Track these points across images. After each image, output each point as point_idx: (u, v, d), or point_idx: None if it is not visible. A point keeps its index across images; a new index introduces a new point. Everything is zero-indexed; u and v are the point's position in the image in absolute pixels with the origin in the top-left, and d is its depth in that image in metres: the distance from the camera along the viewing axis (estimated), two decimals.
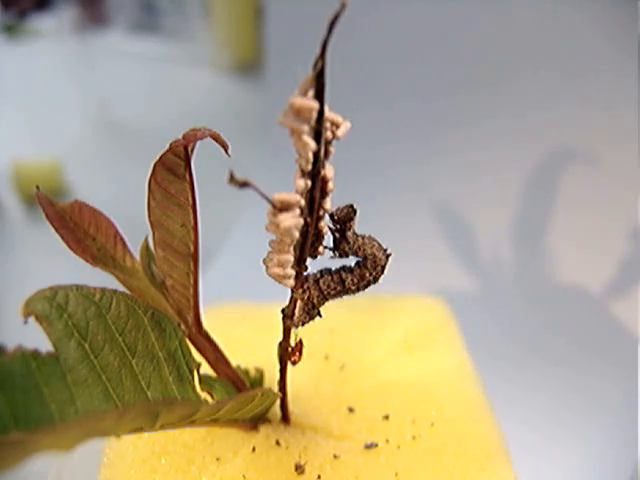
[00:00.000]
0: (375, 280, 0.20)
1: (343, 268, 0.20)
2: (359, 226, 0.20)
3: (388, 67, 0.62)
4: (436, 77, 0.60)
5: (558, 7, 0.54)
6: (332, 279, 0.20)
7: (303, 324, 0.20)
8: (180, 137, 0.19)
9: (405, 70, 0.61)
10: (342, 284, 0.20)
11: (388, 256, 0.20)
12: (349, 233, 0.19)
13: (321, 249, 0.18)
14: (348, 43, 0.55)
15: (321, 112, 0.15)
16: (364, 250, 0.19)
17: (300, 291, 0.19)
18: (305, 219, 0.17)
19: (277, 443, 0.24)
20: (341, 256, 0.20)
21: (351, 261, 0.20)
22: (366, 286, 0.20)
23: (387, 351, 0.31)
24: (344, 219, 0.19)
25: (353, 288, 0.20)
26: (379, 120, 0.61)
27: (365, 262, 0.20)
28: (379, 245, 0.20)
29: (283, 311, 0.20)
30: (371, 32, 0.61)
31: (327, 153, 0.16)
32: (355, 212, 0.19)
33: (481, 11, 0.56)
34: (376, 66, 0.62)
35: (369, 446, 0.25)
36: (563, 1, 0.53)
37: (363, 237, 0.20)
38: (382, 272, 0.20)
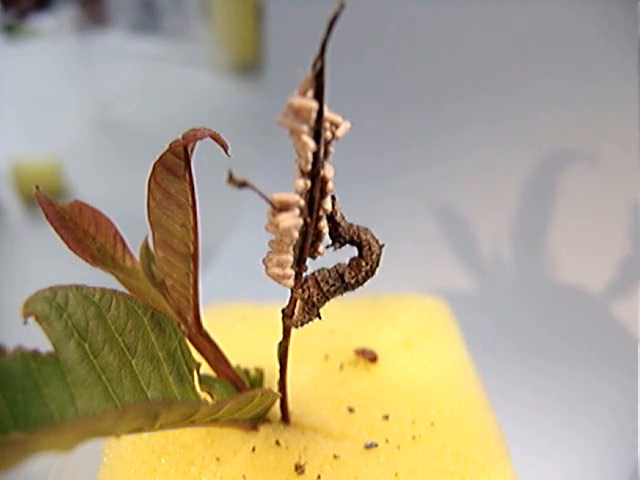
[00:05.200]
0: (372, 271, 0.20)
1: (339, 264, 0.20)
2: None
3: (389, 71, 0.62)
4: (437, 79, 0.60)
5: (558, 8, 0.54)
6: (330, 275, 0.20)
7: (302, 324, 0.20)
8: (180, 137, 0.19)
9: (406, 73, 0.61)
10: (341, 279, 0.20)
11: (382, 247, 0.20)
12: (337, 217, 0.19)
13: (321, 249, 0.18)
14: (349, 45, 0.55)
15: (320, 112, 0.15)
16: (359, 235, 0.19)
17: (300, 291, 0.19)
18: (305, 219, 0.17)
19: (277, 443, 0.24)
20: (340, 244, 0.20)
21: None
22: (364, 279, 0.20)
23: (387, 351, 0.31)
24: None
25: (352, 282, 0.20)
26: (380, 123, 0.61)
27: (360, 251, 0.20)
28: (373, 234, 0.20)
29: (283, 311, 0.20)
30: (371, 35, 0.61)
31: (327, 153, 0.16)
32: (334, 197, 0.19)
33: (481, 13, 0.56)
34: (376, 70, 0.62)
35: (369, 446, 0.25)
36: (563, 2, 0.53)
37: (357, 226, 0.20)
38: (378, 262, 0.20)
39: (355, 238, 0.19)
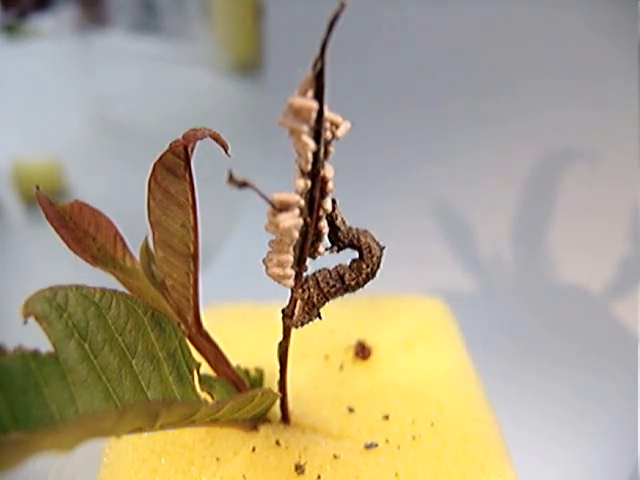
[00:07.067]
0: (372, 273, 0.20)
1: (340, 265, 0.20)
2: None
3: (389, 70, 0.62)
4: (437, 80, 0.60)
5: (558, 8, 0.54)
6: (331, 276, 0.20)
7: (303, 324, 0.20)
8: (180, 137, 0.19)
9: (406, 73, 0.61)
10: (341, 280, 0.20)
11: (382, 248, 0.20)
12: (338, 222, 0.19)
13: (321, 249, 0.18)
14: (349, 45, 0.55)
15: (320, 112, 0.15)
16: (358, 239, 0.19)
17: (300, 291, 0.19)
18: (305, 219, 0.17)
19: (277, 443, 0.24)
20: (338, 248, 0.20)
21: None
22: (365, 281, 0.20)
23: (387, 351, 0.31)
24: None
25: (352, 284, 0.20)
26: (380, 123, 0.61)
27: (361, 254, 0.20)
28: (373, 237, 0.20)
29: (283, 311, 0.20)
30: (372, 35, 0.61)
31: (327, 153, 0.16)
32: (334, 201, 0.19)
33: (481, 13, 0.56)
34: (377, 69, 0.62)
35: (369, 446, 0.25)
36: (563, 2, 0.53)
37: (357, 228, 0.20)
38: (378, 264, 0.20)
39: (355, 242, 0.19)
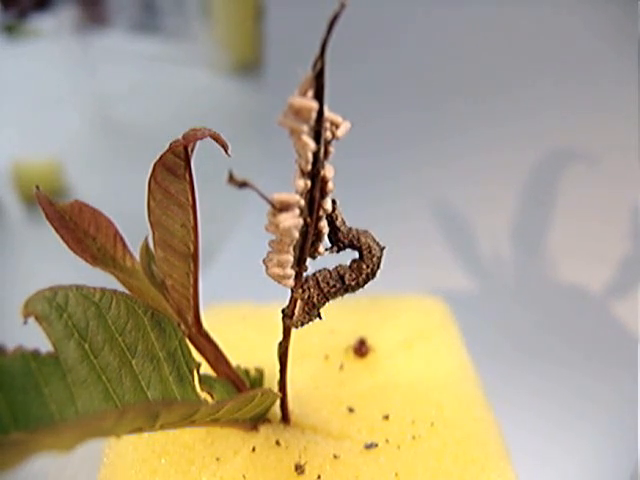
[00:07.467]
0: (373, 273, 0.20)
1: (340, 265, 0.20)
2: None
3: (389, 71, 0.62)
4: (437, 81, 0.60)
5: (557, 9, 0.54)
6: (331, 276, 0.20)
7: (303, 324, 0.20)
8: (180, 137, 0.19)
9: (406, 74, 0.61)
10: (341, 281, 0.20)
11: (382, 249, 0.20)
12: (337, 222, 0.19)
13: (321, 249, 0.19)
14: (349, 45, 0.55)
15: (320, 112, 0.15)
16: (359, 239, 0.19)
17: (300, 291, 0.19)
18: (305, 219, 0.17)
19: (277, 443, 0.24)
20: (338, 248, 0.20)
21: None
22: (365, 281, 0.20)
23: (387, 351, 0.31)
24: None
25: (352, 284, 0.20)
26: (380, 124, 0.61)
27: (361, 254, 0.20)
28: (373, 237, 0.20)
29: (283, 311, 0.20)
30: (372, 35, 0.61)
31: (327, 153, 0.16)
32: (334, 202, 0.19)
33: (480, 15, 0.56)
34: (377, 70, 0.62)
35: (369, 446, 0.25)
36: (562, 3, 0.53)
37: (357, 229, 0.20)
38: (379, 264, 0.20)
39: (355, 242, 0.20)
